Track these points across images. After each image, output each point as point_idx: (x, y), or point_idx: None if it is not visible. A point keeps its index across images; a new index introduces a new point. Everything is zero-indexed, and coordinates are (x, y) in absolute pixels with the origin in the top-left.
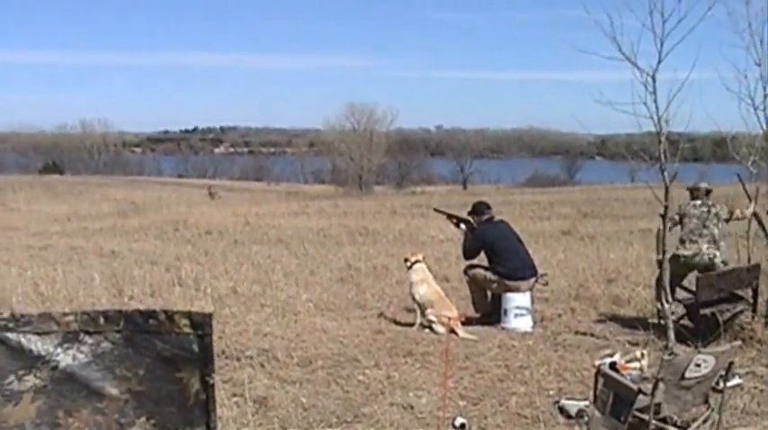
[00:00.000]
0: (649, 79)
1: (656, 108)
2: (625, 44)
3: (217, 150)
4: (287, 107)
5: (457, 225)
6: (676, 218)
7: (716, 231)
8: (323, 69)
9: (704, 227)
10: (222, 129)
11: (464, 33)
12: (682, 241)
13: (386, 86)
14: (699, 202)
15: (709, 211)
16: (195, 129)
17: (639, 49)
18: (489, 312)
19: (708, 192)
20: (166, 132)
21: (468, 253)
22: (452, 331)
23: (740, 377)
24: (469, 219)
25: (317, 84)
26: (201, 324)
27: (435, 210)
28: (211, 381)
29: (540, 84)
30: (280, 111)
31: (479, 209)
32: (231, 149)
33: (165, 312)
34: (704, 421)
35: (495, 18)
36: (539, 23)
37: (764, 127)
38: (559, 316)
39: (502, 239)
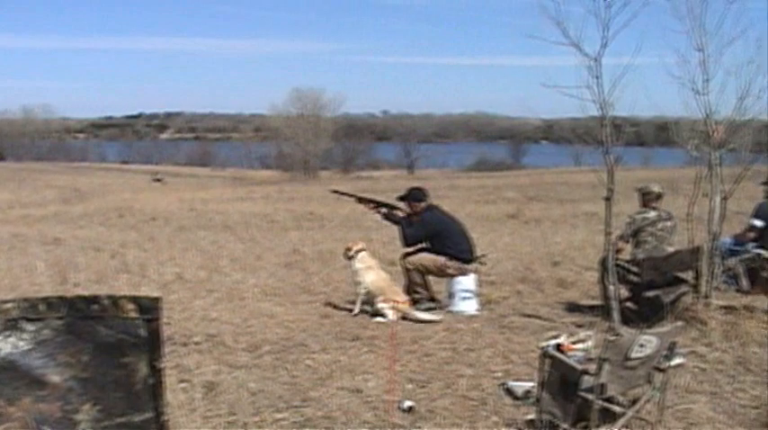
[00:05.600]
0: (593, 64)
1: (601, 92)
2: (571, 29)
3: (162, 136)
4: (233, 93)
5: (379, 211)
6: (629, 232)
7: (671, 250)
8: (269, 54)
9: (662, 246)
10: (167, 114)
11: (410, 17)
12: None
13: (333, 71)
14: (653, 214)
15: (663, 229)
16: (140, 115)
17: (585, 35)
18: (429, 298)
19: (659, 196)
20: (110, 118)
21: (411, 240)
22: (404, 317)
23: (683, 357)
24: (394, 204)
25: (263, 69)
26: (149, 308)
27: (334, 191)
28: (160, 366)
29: (487, 69)
30: (226, 97)
31: (418, 195)
32: (177, 135)
33: (110, 297)
34: (647, 400)
35: (439, 1)
36: (486, 7)
37: (705, 111)
38: (505, 299)
39: (449, 224)
